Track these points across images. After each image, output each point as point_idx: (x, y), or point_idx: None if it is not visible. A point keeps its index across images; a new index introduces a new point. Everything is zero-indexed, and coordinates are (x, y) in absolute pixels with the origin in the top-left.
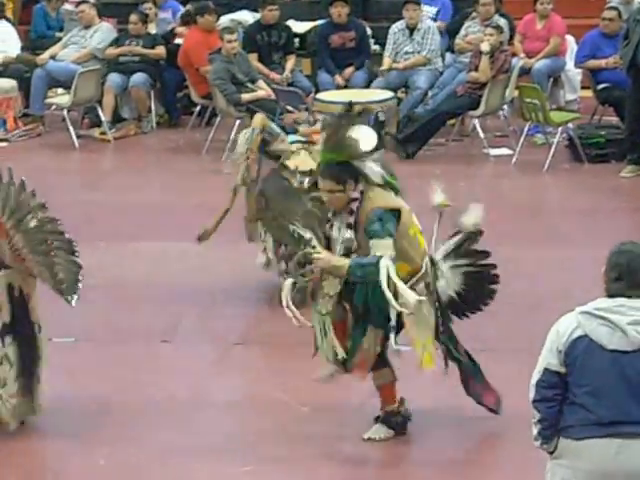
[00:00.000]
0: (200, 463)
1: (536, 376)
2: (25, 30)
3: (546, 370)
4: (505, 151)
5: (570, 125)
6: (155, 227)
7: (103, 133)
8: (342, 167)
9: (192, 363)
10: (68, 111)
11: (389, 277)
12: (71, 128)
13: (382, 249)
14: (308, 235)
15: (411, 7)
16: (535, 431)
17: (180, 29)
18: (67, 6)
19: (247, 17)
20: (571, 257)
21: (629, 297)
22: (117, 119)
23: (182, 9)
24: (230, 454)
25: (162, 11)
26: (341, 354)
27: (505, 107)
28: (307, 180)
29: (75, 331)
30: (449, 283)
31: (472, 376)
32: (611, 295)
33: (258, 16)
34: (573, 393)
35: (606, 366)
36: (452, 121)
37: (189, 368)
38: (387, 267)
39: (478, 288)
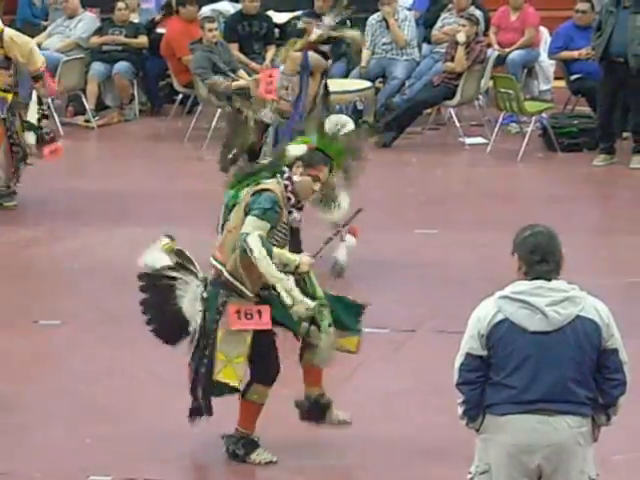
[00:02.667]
0: (184, 442)
1: (459, 360)
2: (10, 19)
3: (468, 354)
4: (480, 140)
5: (544, 115)
6: (138, 212)
7: (87, 121)
8: None
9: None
10: (53, 99)
11: None
12: (56, 116)
13: None
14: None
15: (386, 0)
16: (460, 411)
17: (160, 17)
18: None
19: (228, 7)
20: None
21: (548, 279)
22: (101, 107)
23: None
24: (213, 433)
25: (145, 1)
26: None
27: (480, 97)
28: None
29: (61, 313)
30: None
31: None
32: (535, 277)
33: (239, 7)
34: (496, 374)
35: (528, 347)
36: (428, 110)
37: (172, 349)
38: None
39: None
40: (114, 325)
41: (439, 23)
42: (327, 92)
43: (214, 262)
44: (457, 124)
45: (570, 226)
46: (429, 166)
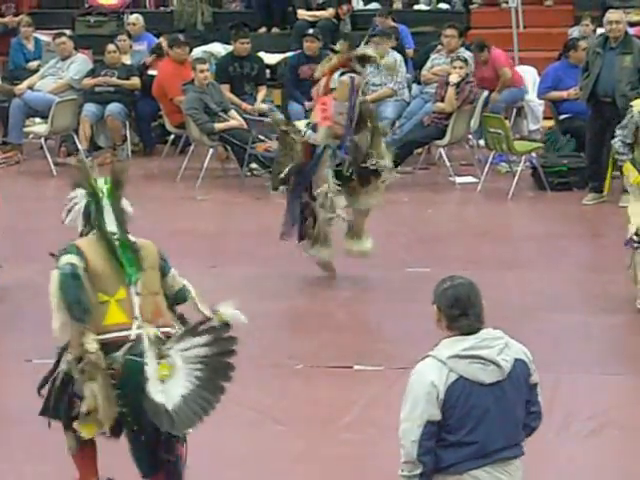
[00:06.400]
0: None
1: (416, 432)
2: (3, 61)
3: (429, 422)
4: (470, 179)
5: (533, 154)
6: None
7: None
8: None
9: None
10: (46, 140)
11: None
12: (49, 156)
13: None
14: None
15: (377, 40)
16: None
17: (150, 60)
18: (44, 37)
19: (219, 49)
20: (534, 280)
21: (472, 332)
22: (93, 148)
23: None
24: (207, 473)
25: (138, 43)
26: None
27: (471, 136)
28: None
29: (54, 352)
30: (177, 378)
31: None
32: (465, 332)
33: (230, 48)
34: (453, 434)
35: (486, 400)
36: (419, 150)
37: None
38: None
39: (209, 383)
40: None
41: (429, 64)
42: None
43: (164, 330)
44: (447, 163)
45: (560, 264)
46: (420, 205)
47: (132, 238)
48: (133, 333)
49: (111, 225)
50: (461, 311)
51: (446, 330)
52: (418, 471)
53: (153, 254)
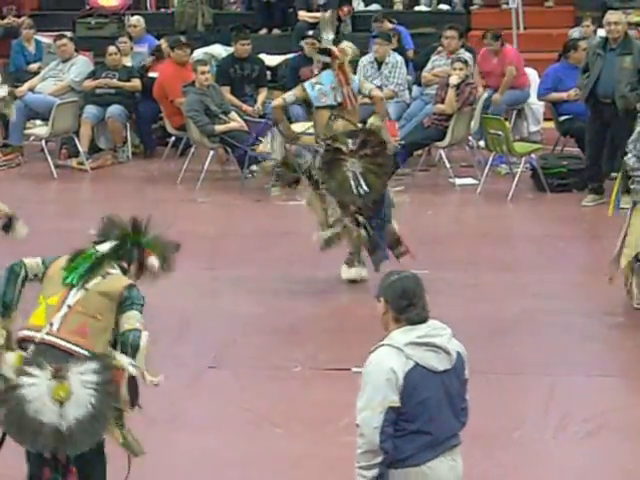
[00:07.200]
0: None
1: (378, 419)
2: (4, 63)
3: (390, 409)
4: (470, 181)
5: (533, 156)
6: None
7: (80, 163)
8: None
9: (168, 386)
10: (46, 142)
11: None
12: (49, 158)
13: None
14: None
15: (379, 41)
16: (374, 473)
17: (150, 62)
18: (45, 39)
19: (220, 51)
20: (534, 282)
21: (419, 322)
22: (94, 150)
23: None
24: (206, 475)
25: (139, 45)
26: None
27: (470, 138)
28: (352, 142)
29: None
30: (74, 401)
31: None
32: (414, 322)
33: (231, 50)
34: (410, 423)
35: (436, 388)
36: (419, 152)
37: (165, 391)
38: None
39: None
40: None
41: (429, 65)
42: None
43: (75, 347)
44: (447, 165)
45: (560, 265)
46: (421, 206)
47: (112, 270)
48: (38, 336)
49: (104, 247)
50: (409, 301)
51: (393, 322)
52: (378, 460)
53: (116, 287)
